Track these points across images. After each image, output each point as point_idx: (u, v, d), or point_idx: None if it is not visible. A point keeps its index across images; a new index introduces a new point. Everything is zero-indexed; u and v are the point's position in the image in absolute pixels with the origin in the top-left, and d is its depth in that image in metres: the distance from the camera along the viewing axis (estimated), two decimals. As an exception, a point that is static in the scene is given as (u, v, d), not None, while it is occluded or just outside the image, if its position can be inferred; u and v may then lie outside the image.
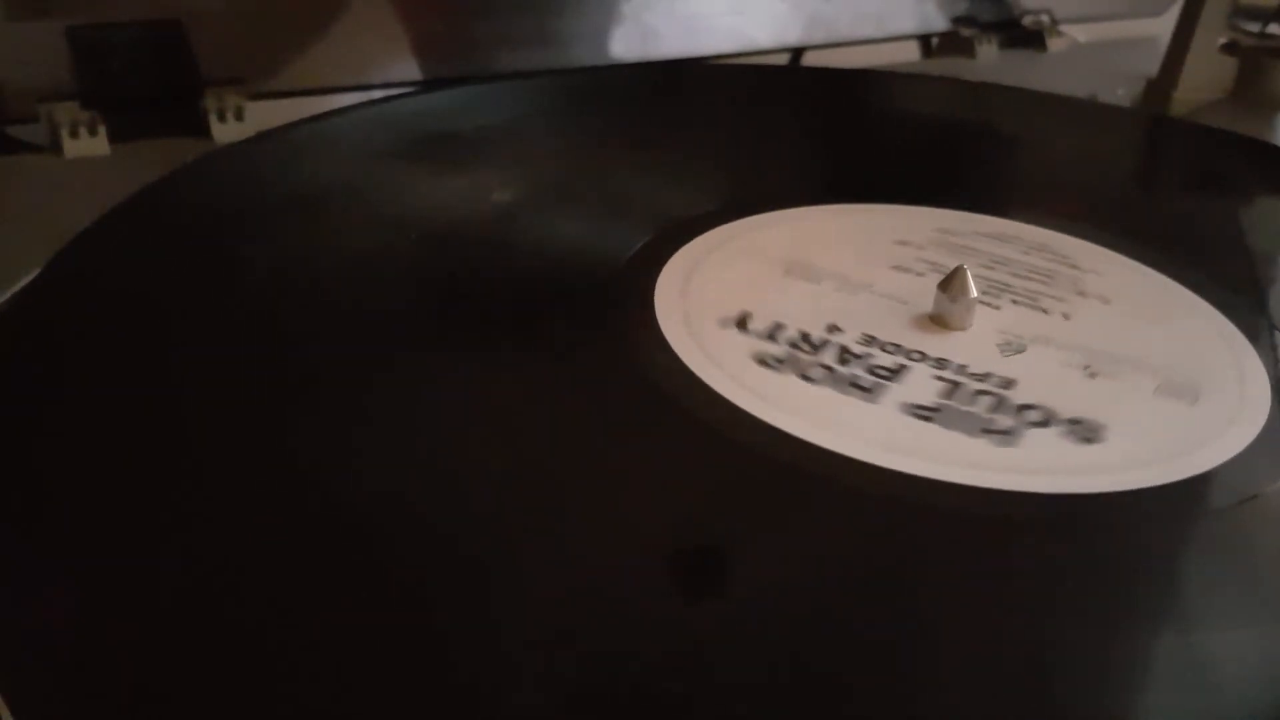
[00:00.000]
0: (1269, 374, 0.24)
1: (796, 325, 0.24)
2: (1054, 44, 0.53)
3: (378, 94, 0.38)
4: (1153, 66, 0.47)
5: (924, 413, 0.22)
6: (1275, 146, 0.41)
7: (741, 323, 0.24)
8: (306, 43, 0.38)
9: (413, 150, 0.32)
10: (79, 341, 0.22)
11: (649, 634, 0.17)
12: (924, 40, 0.52)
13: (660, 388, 0.22)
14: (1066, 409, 0.22)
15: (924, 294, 0.25)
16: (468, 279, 0.26)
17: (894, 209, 0.30)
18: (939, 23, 0.51)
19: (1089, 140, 0.38)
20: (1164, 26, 0.49)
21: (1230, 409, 0.23)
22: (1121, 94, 0.47)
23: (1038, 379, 0.23)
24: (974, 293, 0.25)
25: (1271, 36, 0.47)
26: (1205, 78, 0.46)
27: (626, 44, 0.43)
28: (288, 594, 0.17)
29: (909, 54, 0.51)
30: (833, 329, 0.24)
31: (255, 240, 0.27)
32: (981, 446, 0.21)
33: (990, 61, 0.51)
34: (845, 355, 0.23)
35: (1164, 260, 0.28)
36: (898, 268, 0.27)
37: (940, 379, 0.23)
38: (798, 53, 0.48)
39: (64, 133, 0.35)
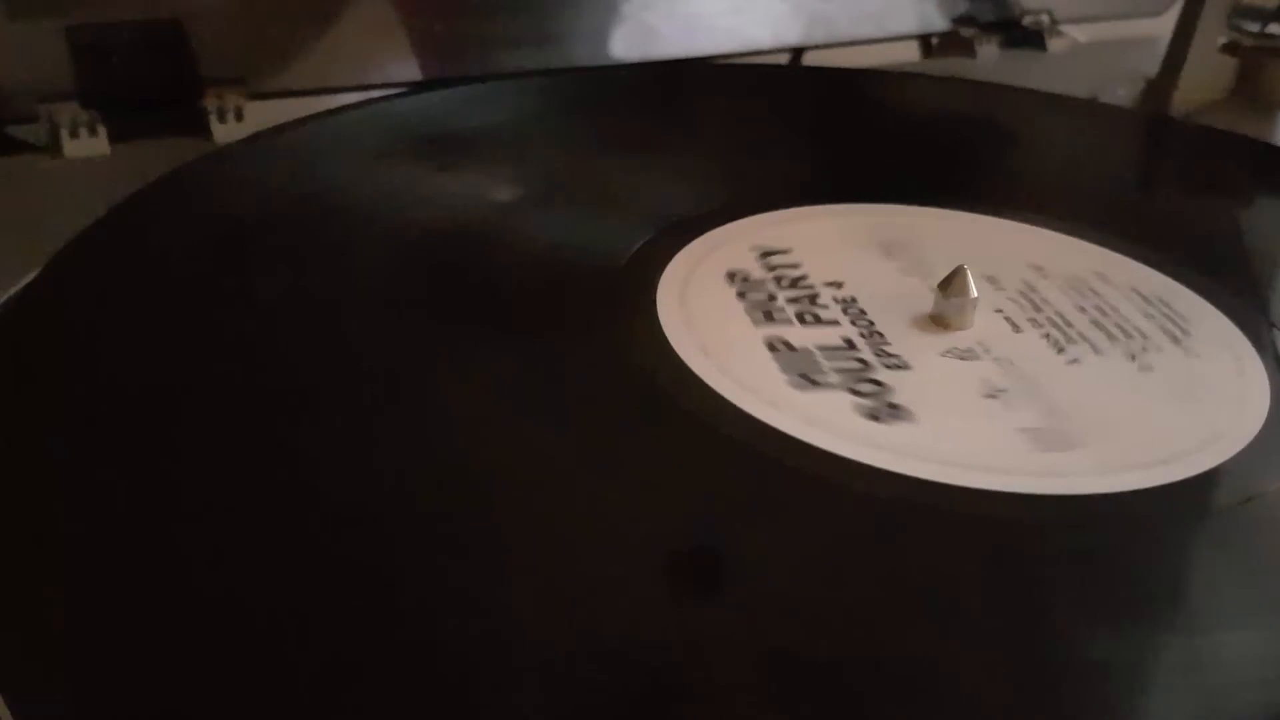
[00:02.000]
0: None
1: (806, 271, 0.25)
2: (1054, 44, 0.53)
3: (378, 94, 0.38)
4: (1153, 66, 0.47)
5: (780, 343, 0.23)
6: (1275, 146, 0.41)
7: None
8: (306, 43, 0.38)
9: (413, 150, 0.32)
10: (79, 342, 0.22)
11: (648, 633, 0.17)
12: (924, 40, 0.52)
13: (661, 387, 0.22)
14: (904, 396, 0.22)
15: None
16: (467, 279, 0.26)
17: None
18: (939, 23, 0.51)
19: (1089, 140, 0.38)
20: (1164, 26, 0.49)
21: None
22: (1121, 94, 0.47)
23: (929, 375, 0.23)
24: (974, 292, 0.25)
25: (1271, 36, 0.47)
26: (1205, 78, 0.46)
27: (626, 44, 0.43)
28: (287, 594, 0.17)
29: (909, 54, 0.51)
30: (836, 284, 0.26)
31: (255, 240, 0.27)
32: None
33: (990, 61, 0.51)
34: (796, 295, 0.25)
35: (1164, 260, 0.28)
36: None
37: (842, 339, 0.24)
38: (798, 53, 0.48)
39: (64, 133, 0.35)
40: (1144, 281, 0.28)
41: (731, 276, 0.26)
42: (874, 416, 0.22)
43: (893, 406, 0.22)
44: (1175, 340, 0.25)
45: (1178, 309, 0.27)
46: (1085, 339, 0.25)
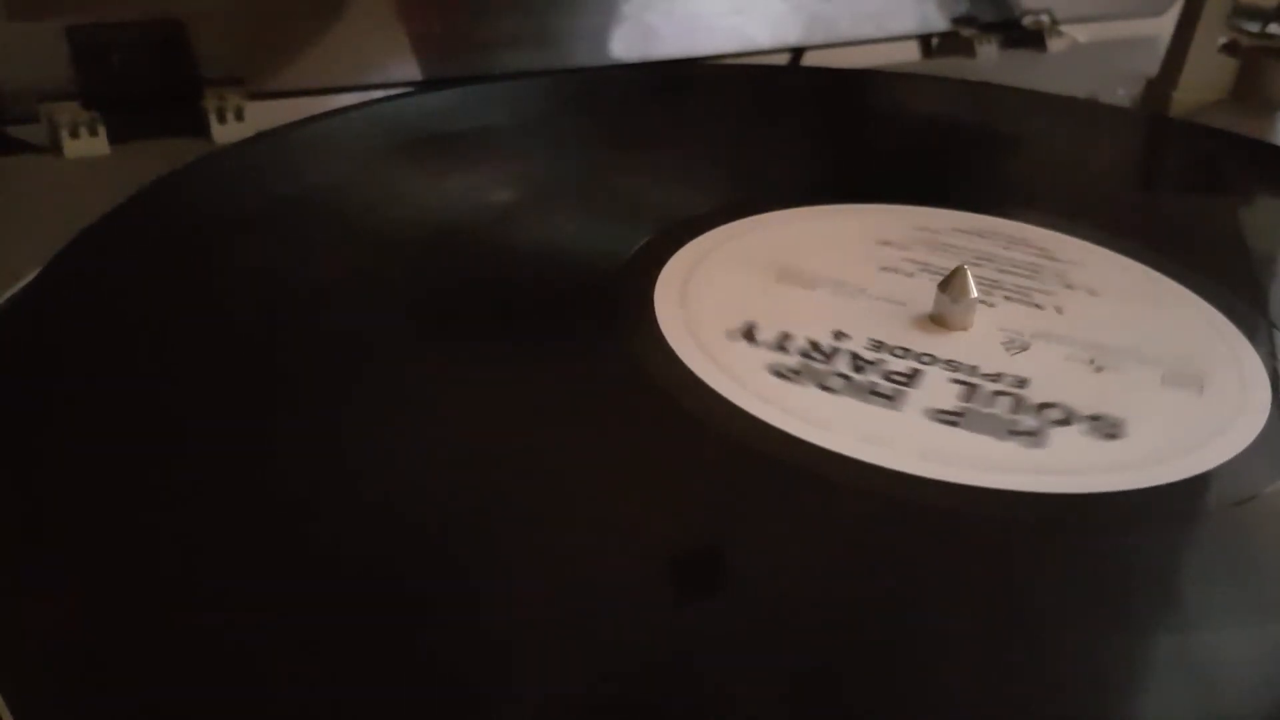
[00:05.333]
0: (1268, 374, 0.24)
1: (804, 333, 0.24)
2: (1054, 44, 0.53)
3: (378, 94, 0.38)
4: (1153, 66, 0.47)
5: (949, 418, 0.22)
6: (1275, 146, 0.41)
7: (749, 334, 0.24)
8: (306, 43, 0.38)
9: (413, 150, 0.32)
10: (79, 341, 0.22)
11: (652, 638, 0.17)
12: (924, 40, 0.52)
13: (660, 389, 0.22)
14: (1084, 405, 0.22)
15: (919, 294, 0.26)
16: (467, 280, 0.26)
17: (895, 209, 0.30)
18: (939, 23, 0.51)
19: (1089, 140, 0.38)
20: (1164, 26, 0.49)
21: (1230, 409, 0.23)
22: (1121, 94, 0.47)
23: (1048, 376, 0.23)
24: (974, 293, 0.25)
25: (1271, 36, 0.47)
26: (1205, 78, 0.46)
27: (626, 44, 0.43)
28: (287, 594, 0.17)
29: (909, 54, 0.51)
30: (839, 335, 0.24)
31: (255, 240, 0.27)
32: (1011, 449, 0.21)
33: (990, 61, 0.51)
34: (858, 362, 0.23)
35: (1163, 259, 0.28)
36: (887, 269, 0.27)
37: (956, 381, 0.23)
38: (798, 53, 0.48)
39: (64, 133, 0.35)
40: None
41: (773, 371, 0.23)
42: (1110, 436, 0.22)
43: (1096, 417, 0.22)
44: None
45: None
46: (1026, 290, 0.26)
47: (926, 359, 0.24)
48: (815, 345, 0.24)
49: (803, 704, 0.16)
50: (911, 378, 0.23)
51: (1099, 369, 0.24)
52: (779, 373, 0.23)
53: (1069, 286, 0.27)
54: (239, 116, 0.37)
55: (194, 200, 0.28)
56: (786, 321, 0.25)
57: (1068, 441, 0.21)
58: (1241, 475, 0.21)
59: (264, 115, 0.37)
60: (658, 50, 0.44)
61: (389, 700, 0.15)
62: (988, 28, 0.52)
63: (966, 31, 0.51)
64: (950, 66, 0.50)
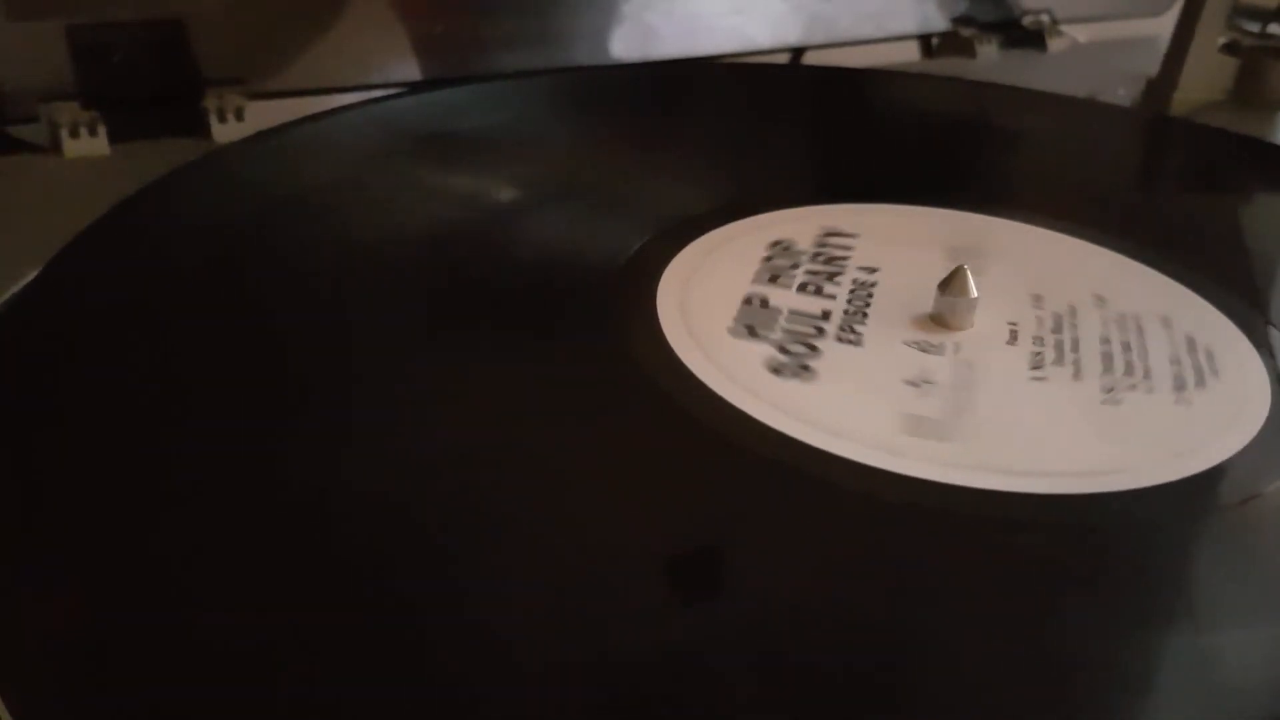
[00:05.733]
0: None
1: (848, 258, 0.26)
2: (1054, 44, 0.53)
3: (378, 94, 0.38)
4: (1153, 66, 0.47)
5: (753, 305, 0.24)
6: (1275, 146, 0.41)
7: (831, 231, 0.27)
8: (306, 43, 0.38)
9: (413, 150, 0.32)
10: (79, 342, 0.22)
11: (647, 632, 0.17)
12: (924, 40, 0.52)
13: (660, 388, 0.22)
14: (825, 365, 0.23)
15: (990, 307, 0.25)
16: (467, 279, 0.26)
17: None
18: (939, 23, 0.51)
19: (1089, 140, 0.38)
20: (1164, 26, 0.49)
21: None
22: (1122, 94, 0.47)
23: (870, 355, 0.23)
24: (973, 293, 0.25)
25: (1271, 36, 0.47)
26: (1205, 78, 0.46)
27: (626, 44, 0.43)
28: (285, 595, 0.17)
29: (909, 54, 0.51)
30: (869, 269, 0.26)
31: (255, 240, 0.27)
32: (726, 339, 0.23)
33: (990, 61, 0.51)
34: (819, 270, 0.26)
35: (1164, 260, 0.28)
36: (1040, 295, 0.26)
37: (823, 309, 0.25)
38: (798, 53, 0.48)
39: (64, 133, 0.35)
40: (1206, 329, 0.26)
41: (775, 244, 0.27)
42: (776, 371, 0.22)
43: (803, 368, 0.22)
44: (1179, 388, 0.23)
45: (1217, 362, 0.24)
46: (1075, 365, 0.24)
47: (859, 298, 0.25)
48: (832, 257, 0.27)
49: (796, 700, 0.16)
50: (804, 285, 0.25)
51: (914, 388, 0.23)
52: (767, 255, 0.27)
53: (1110, 391, 0.23)
54: (239, 116, 0.37)
55: (194, 200, 0.28)
56: (867, 253, 0.27)
57: (750, 353, 0.23)
58: (1241, 475, 0.21)
59: (264, 115, 0.37)
60: (658, 50, 0.44)
61: (389, 700, 0.15)
62: (988, 28, 0.52)
63: (966, 31, 0.51)
64: (950, 66, 0.50)
